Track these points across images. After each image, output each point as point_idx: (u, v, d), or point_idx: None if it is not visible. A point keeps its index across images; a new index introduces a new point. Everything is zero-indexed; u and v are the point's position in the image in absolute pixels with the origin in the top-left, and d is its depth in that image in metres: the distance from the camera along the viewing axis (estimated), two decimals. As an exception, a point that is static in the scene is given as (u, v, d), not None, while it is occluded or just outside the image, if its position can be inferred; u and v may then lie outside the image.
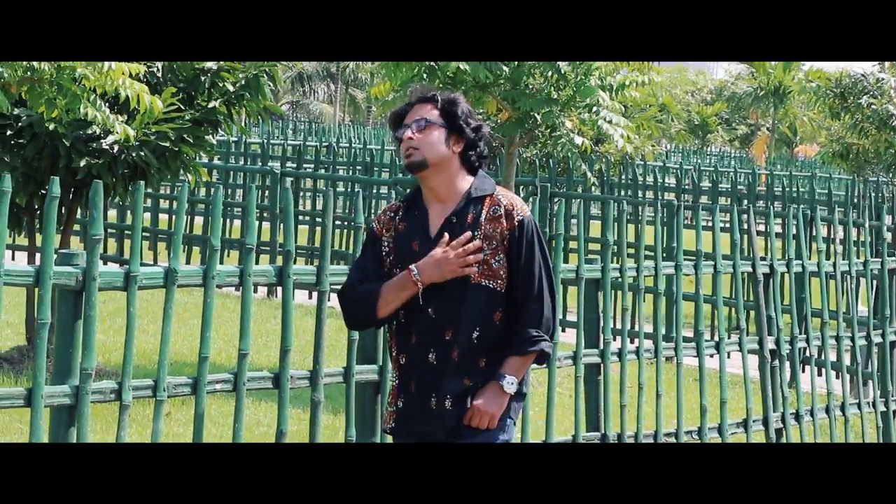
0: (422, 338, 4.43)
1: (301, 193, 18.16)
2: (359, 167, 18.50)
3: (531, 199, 7.50)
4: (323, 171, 17.69)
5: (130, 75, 7.78)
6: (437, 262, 4.37)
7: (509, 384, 4.39)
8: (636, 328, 7.05)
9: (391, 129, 4.56)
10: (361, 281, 4.49)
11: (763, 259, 7.57)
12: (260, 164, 17.95)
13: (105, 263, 10.40)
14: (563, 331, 12.64)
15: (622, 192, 17.09)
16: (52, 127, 9.32)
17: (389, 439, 4.71)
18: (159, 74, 9.93)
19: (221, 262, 5.28)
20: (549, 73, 10.69)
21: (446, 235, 4.39)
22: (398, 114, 4.51)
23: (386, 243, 4.52)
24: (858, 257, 8.36)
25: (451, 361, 4.40)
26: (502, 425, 4.42)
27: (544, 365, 4.65)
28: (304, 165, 17.87)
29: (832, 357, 8.18)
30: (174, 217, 5.09)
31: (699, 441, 7.08)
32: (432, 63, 10.48)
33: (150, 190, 13.76)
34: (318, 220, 14.80)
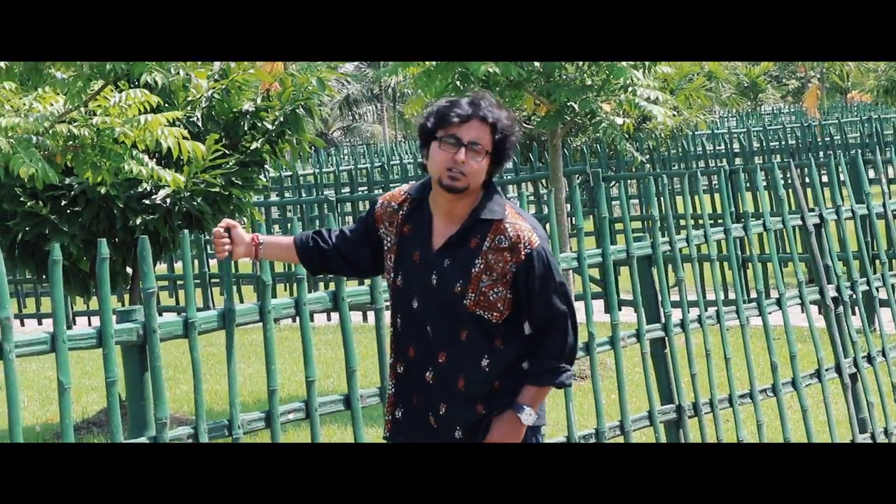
0: (420, 354, 4.32)
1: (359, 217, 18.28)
2: (413, 181, 18.59)
3: (580, 187, 7.58)
4: (380, 191, 17.84)
5: (169, 123, 7.96)
6: None
7: (527, 416, 4.27)
8: (696, 298, 7.11)
9: (431, 125, 4.26)
10: (335, 236, 4.44)
11: (811, 210, 7.61)
12: (315, 193, 18.14)
13: (179, 314, 10.62)
14: (620, 309, 12.71)
15: (674, 166, 17.10)
16: (104, 190, 9.54)
17: None
18: (199, 123, 10.11)
19: (275, 296, 5.40)
20: (580, 61, 10.75)
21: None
22: (446, 116, 4.24)
23: (386, 238, 4.37)
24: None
25: (457, 391, 4.27)
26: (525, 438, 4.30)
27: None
28: (359, 189, 18.03)
29: (898, 296, 8.19)
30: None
31: (774, 397, 7.12)
32: (464, 69, 10.54)
33: (203, 236, 14.01)
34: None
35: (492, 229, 4.26)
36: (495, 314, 4.26)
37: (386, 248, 4.39)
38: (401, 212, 4.38)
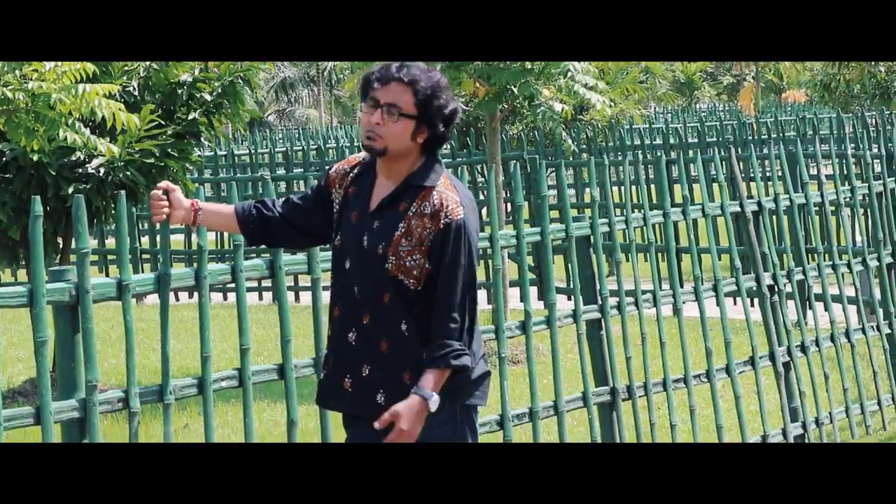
0: (345, 314, 4.26)
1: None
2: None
3: (515, 166, 7.55)
4: (315, 172, 17.74)
5: (106, 95, 7.85)
6: None
7: (434, 403, 4.16)
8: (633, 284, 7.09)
9: (359, 90, 4.28)
10: (284, 202, 4.41)
11: (750, 198, 7.63)
12: (250, 173, 18.00)
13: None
14: (569, 298, 12.74)
15: (610, 156, 17.14)
16: (36, 158, 9.39)
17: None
18: (136, 93, 9.99)
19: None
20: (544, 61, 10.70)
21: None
22: (369, 80, 4.23)
23: (335, 200, 4.35)
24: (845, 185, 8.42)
25: (381, 353, 4.23)
26: (447, 416, 4.21)
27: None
28: (294, 170, 17.91)
29: (832, 290, 8.23)
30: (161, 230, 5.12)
31: (708, 383, 7.13)
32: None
33: (135, 210, 13.87)
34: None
35: (420, 195, 4.21)
36: (412, 281, 4.19)
37: (334, 210, 4.36)
38: (350, 174, 4.36)
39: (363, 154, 4.38)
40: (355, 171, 4.35)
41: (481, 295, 14.06)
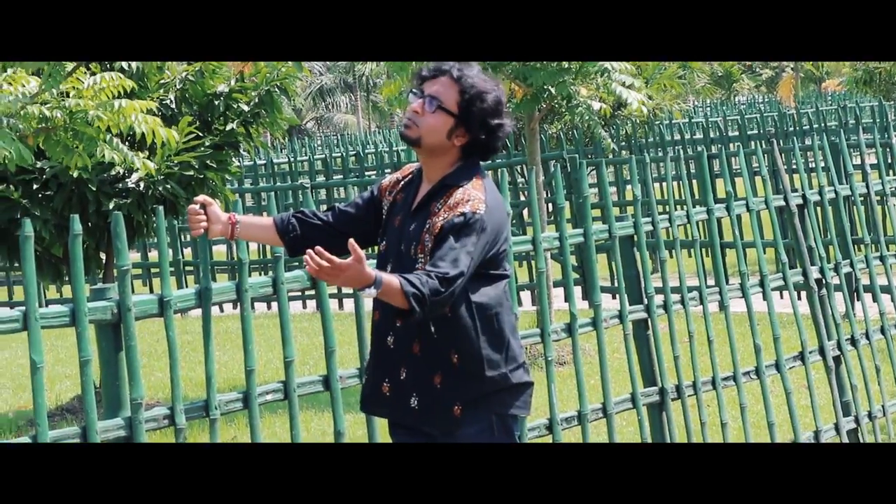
0: (383, 317, 4.22)
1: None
2: (387, 170, 18.52)
3: (555, 167, 7.48)
4: (354, 177, 17.73)
5: (144, 110, 7.84)
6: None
7: (371, 292, 3.93)
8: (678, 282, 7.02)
9: (411, 86, 4.27)
10: (327, 211, 4.36)
11: (794, 191, 7.54)
12: (290, 181, 18.01)
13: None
14: (614, 297, 12.68)
15: (650, 153, 17.04)
16: (76, 174, 9.40)
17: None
18: (173, 106, 9.99)
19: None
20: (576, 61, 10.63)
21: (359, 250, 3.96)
22: (422, 75, 4.21)
23: (385, 207, 4.35)
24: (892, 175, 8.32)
25: (413, 355, 4.18)
26: (483, 426, 4.16)
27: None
28: (334, 176, 17.91)
29: (880, 280, 8.13)
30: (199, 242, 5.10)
31: (757, 379, 7.05)
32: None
33: (177, 222, 13.87)
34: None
35: (448, 193, 4.17)
36: None
37: (384, 215, 4.36)
38: (402, 182, 4.36)
39: (417, 164, 4.36)
40: (406, 178, 4.35)
41: (525, 297, 13.99)
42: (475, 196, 4.14)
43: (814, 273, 7.40)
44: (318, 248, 3.92)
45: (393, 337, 4.21)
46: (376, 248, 4.38)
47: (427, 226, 4.16)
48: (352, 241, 3.95)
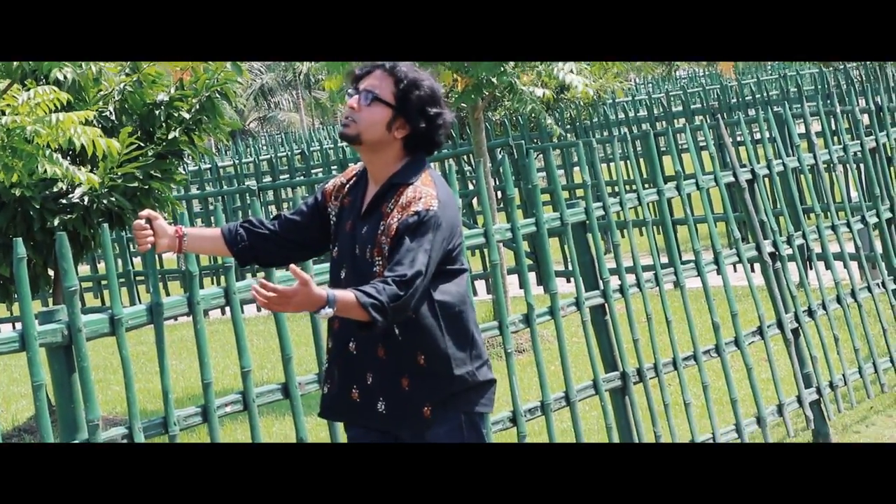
0: (343, 325, 4.14)
1: (284, 205, 18.11)
2: (334, 167, 18.43)
3: (503, 156, 7.44)
4: (301, 177, 17.63)
5: (83, 122, 7.72)
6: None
7: (327, 312, 3.89)
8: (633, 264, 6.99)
9: (345, 88, 4.23)
10: (273, 219, 4.32)
11: (743, 166, 7.52)
12: (236, 184, 17.89)
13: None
14: (568, 281, 12.66)
15: (595, 134, 17.03)
16: (18, 192, 9.27)
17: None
18: (112, 117, 9.87)
19: (202, 288, 5.21)
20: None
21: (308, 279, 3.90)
22: (356, 74, 4.17)
23: (332, 213, 4.26)
24: (837, 145, 8.33)
25: (379, 359, 4.12)
26: (452, 425, 4.12)
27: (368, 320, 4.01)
28: (281, 177, 17.79)
29: (833, 248, 8.14)
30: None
31: (718, 357, 7.03)
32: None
33: (124, 234, 13.73)
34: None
35: (398, 192, 4.11)
36: None
37: (332, 223, 4.27)
38: (346, 185, 4.28)
39: (360, 165, 4.29)
40: (351, 181, 4.27)
41: (480, 287, 13.95)
42: (426, 193, 4.09)
43: (767, 247, 7.39)
44: (262, 280, 3.89)
45: (355, 343, 4.15)
46: (329, 254, 4.32)
47: (381, 228, 4.11)
48: (293, 266, 3.91)
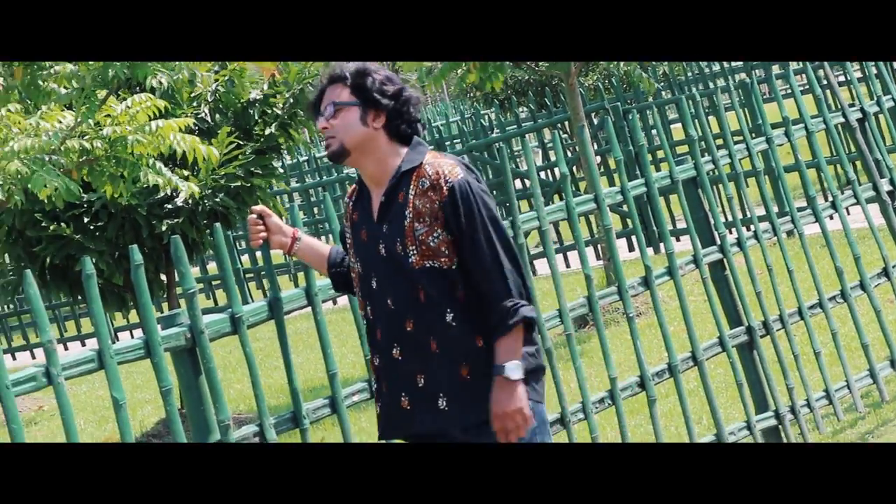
0: (385, 334, 4.06)
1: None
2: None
3: (605, 119, 7.34)
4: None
5: (182, 129, 7.74)
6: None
7: (512, 370, 3.92)
8: (748, 215, 6.86)
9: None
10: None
11: (852, 105, 7.34)
12: (335, 174, 17.92)
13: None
14: (678, 240, 12.50)
15: (693, 88, 16.80)
16: (124, 202, 9.33)
17: None
18: (208, 118, 9.89)
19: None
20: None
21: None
22: (312, 104, 4.15)
23: (348, 233, 4.19)
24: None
25: (432, 354, 3.98)
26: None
27: (535, 332, 4.04)
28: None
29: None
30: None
31: (845, 303, 6.87)
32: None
33: (230, 233, 13.79)
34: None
35: (413, 176, 4.04)
36: (443, 260, 3.99)
37: (348, 242, 4.21)
38: (350, 203, 4.22)
39: (357, 181, 4.24)
40: (353, 199, 4.21)
41: (590, 252, 13.84)
42: (444, 165, 4.03)
43: (885, 185, 7.21)
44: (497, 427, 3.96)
45: (399, 348, 4.04)
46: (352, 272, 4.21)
47: (408, 216, 4.02)
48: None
